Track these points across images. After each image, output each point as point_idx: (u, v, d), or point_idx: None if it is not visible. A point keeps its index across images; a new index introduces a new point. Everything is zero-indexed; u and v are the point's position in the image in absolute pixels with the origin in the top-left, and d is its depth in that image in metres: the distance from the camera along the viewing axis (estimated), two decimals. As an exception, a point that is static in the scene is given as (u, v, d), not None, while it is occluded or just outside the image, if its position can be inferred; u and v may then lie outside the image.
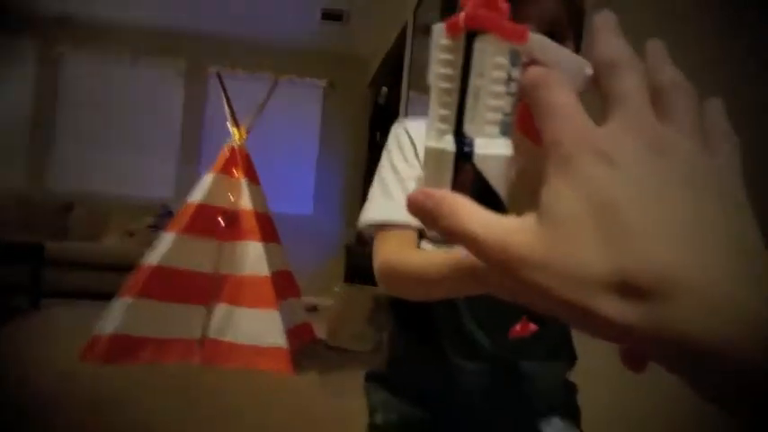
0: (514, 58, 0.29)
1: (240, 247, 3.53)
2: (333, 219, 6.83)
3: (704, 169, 0.25)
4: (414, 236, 0.89)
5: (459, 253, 0.55)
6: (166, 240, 3.44)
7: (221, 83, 4.08)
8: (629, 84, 0.27)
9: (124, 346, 3.15)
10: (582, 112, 0.27)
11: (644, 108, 0.26)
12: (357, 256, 5.91)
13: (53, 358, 3.16)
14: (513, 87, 0.29)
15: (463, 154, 0.29)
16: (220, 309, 3.43)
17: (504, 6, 0.29)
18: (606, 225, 0.24)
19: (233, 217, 3.59)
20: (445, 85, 0.29)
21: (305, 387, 3.15)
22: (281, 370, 3.25)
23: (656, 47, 0.29)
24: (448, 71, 0.29)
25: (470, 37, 0.28)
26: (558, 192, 0.26)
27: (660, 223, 0.23)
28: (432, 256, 0.71)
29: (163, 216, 5.60)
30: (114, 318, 3.19)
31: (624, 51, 0.28)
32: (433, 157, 0.30)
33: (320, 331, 4.11)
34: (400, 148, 0.96)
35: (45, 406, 2.51)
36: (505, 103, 0.29)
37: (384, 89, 6.07)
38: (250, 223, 3.57)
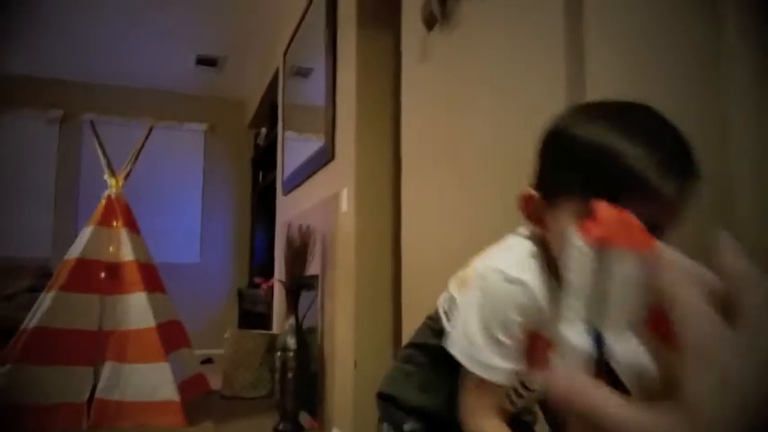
0: (642, 265, 0.33)
1: (123, 300, 3.44)
2: (222, 265, 6.65)
3: None
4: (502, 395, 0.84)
5: None
6: (45, 301, 3.32)
7: (94, 131, 3.99)
8: (757, 300, 0.31)
9: (5, 417, 3.00)
10: (713, 313, 0.30)
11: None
12: (250, 300, 5.83)
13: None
14: (641, 290, 0.32)
15: (594, 346, 0.33)
16: (107, 367, 3.31)
17: (635, 221, 0.34)
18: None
19: (114, 269, 3.51)
20: (580, 280, 0.34)
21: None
22: (174, 424, 3.17)
23: None
24: (582, 270, 0.33)
25: (602, 245, 0.33)
26: (703, 388, 0.28)
27: None
28: None
29: (41, 277, 5.30)
30: (-8, 388, 3.03)
31: (751, 272, 0.32)
32: (568, 346, 0.34)
33: (217, 383, 4.02)
34: (514, 313, 0.76)
35: None
36: (632, 304, 0.33)
37: (263, 130, 6.13)
38: (132, 274, 3.48)
